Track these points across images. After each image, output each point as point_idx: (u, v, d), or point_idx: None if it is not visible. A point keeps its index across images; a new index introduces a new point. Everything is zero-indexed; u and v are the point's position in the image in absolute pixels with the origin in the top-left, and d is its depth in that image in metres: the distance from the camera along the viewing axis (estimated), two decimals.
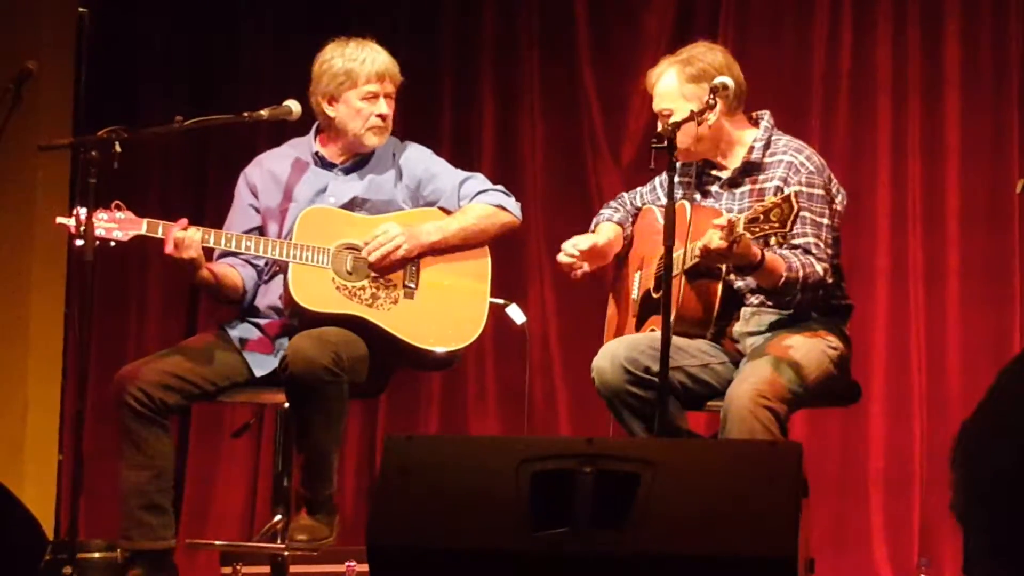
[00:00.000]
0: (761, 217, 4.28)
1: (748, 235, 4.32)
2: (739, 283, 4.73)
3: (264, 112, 5.12)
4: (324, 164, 5.24)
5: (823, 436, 6.24)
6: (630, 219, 5.10)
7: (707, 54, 4.85)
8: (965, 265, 6.17)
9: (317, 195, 5.18)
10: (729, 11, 6.59)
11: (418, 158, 5.28)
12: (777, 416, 4.48)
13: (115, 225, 4.87)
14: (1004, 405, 1.98)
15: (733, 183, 4.84)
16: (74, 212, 4.88)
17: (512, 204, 5.21)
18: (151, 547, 4.93)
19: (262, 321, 5.14)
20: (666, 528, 3.32)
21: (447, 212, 5.17)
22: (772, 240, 4.42)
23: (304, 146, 5.29)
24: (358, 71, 5.14)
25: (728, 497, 3.35)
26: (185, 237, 4.90)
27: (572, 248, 4.95)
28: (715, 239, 4.38)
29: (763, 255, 4.47)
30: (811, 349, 4.66)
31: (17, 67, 4.72)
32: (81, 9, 5.09)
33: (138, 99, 7.49)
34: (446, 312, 5.08)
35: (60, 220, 4.93)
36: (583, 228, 6.76)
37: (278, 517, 5.12)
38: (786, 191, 4.64)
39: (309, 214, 5.06)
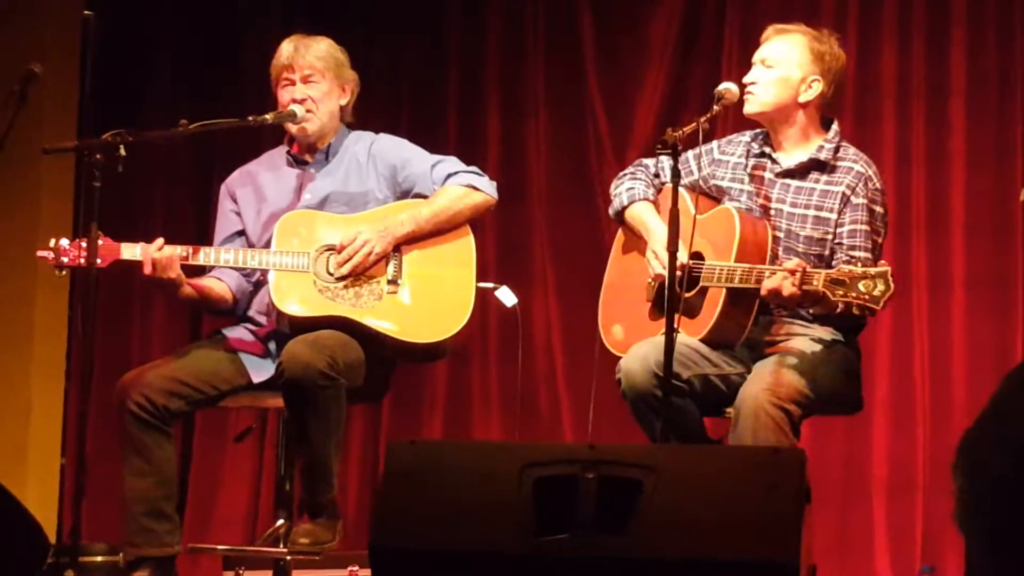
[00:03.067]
0: (847, 282, 4.24)
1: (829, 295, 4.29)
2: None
3: (268, 116, 5.14)
4: (298, 163, 5.27)
5: (826, 443, 6.24)
6: (657, 195, 5.06)
7: (835, 45, 4.88)
8: (969, 273, 6.17)
9: (293, 193, 5.21)
10: (734, 19, 6.59)
11: (390, 147, 5.30)
12: (790, 417, 4.47)
13: (97, 250, 4.86)
14: (1006, 413, 1.98)
15: (790, 174, 4.82)
16: (53, 244, 4.91)
17: (485, 183, 5.21)
18: (156, 554, 4.93)
19: (254, 327, 5.16)
20: (668, 534, 3.32)
21: (425, 198, 5.18)
22: (854, 310, 4.33)
23: (280, 151, 5.35)
24: (272, 66, 5.26)
25: (731, 503, 3.35)
26: (162, 257, 4.92)
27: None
28: (787, 285, 4.36)
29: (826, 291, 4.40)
30: (825, 356, 4.66)
31: (22, 69, 4.72)
32: (86, 12, 5.09)
33: (143, 102, 7.50)
34: (432, 302, 5.08)
35: (40, 253, 4.97)
36: (587, 234, 6.79)
37: (280, 521, 5.13)
38: (854, 201, 4.65)
39: (287, 220, 5.08)
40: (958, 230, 6.23)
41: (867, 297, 4.22)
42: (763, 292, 4.46)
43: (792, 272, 4.37)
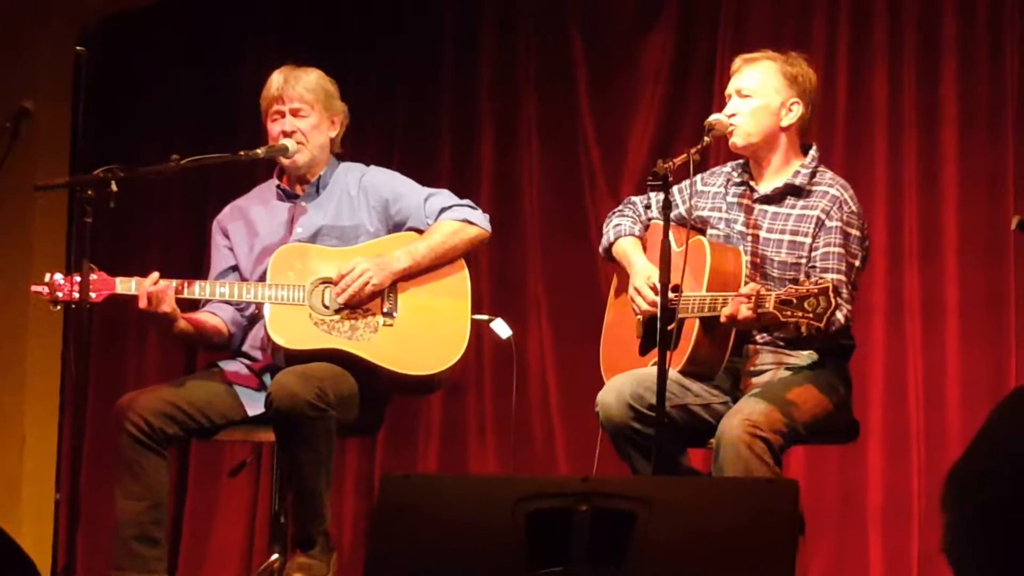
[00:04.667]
0: (794, 302, 4.25)
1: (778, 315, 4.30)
2: None
3: (260, 150, 5.16)
4: (288, 197, 5.28)
5: (821, 472, 6.23)
6: (644, 232, 5.09)
7: (806, 66, 4.93)
8: (962, 300, 6.16)
9: (285, 227, 5.22)
10: (725, 51, 6.59)
11: (382, 180, 5.31)
12: (771, 446, 4.47)
13: (89, 286, 4.84)
14: (991, 446, 1.98)
15: (767, 200, 4.85)
16: (47, 279, 4.91)
17: (479, 217, 5.24)
18: None
19: (249, 361, 5.16)
20: (663, 566, 3.31)
21: (419, 231, 5.19)
22: (803, 328, 4.36)
23: (270, 185, 5.36)
24: (262, 97, 5.29)
25: (724, 535, 3.35)
26: (157, 291, 4.93)
27: (652, 295, 4.82)
28: (743, 309, 4.38)
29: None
30: (810, 386, 4.66)
31: (14, 106, 4.73)
32: (79, 48, 5.11)
33: (136, 138, 7.51)
34: (427, 334, 5.09)
35: (34, 288, 4.96)
36: (581, 265, 6.80)
37: (275, 556, 5.11)
38: (828, 225, 4.67)
39: (281, 253, 5.09)
40: (951, 257, 6.22)
41: (811, 315, 4.23)
42: (722, 319, 4.48)
43: (748, 297, 4.38)
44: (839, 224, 4.72)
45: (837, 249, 4.70)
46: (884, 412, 6.22)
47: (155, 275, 4.98)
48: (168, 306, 4.96)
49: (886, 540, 6.21)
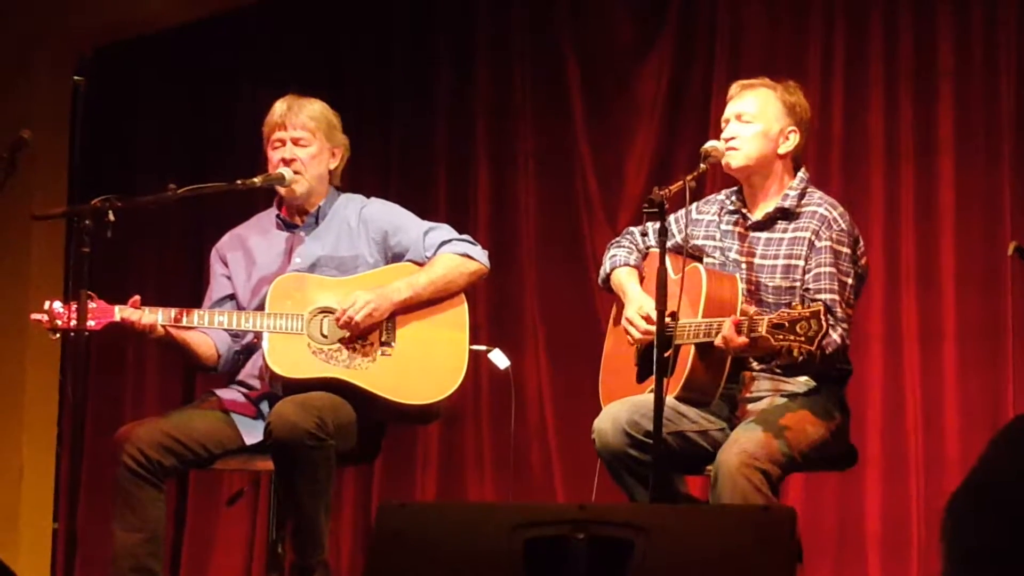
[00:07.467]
0: (786, 325, 4.25)
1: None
2: None
3: (257, 179, 5.16)
4: (287, 226, 5.29)
5: (819, 499, 6.22)
6: (642, 261, 5.10)
7: (802, 96, 4.97)
8: (959, 326, 6.16)
9: (283, 257, 5.21)
10: (721, 79, 6.60)
11: (381, 212, 5.32)
12: (768, 477, 4.47)
13: (87, 315, 4.84)
14: (991, 477, 1.97)
15: (760, 227, 4.86)
16: (46, 307, 4.90)
17: (478, 252, 5.24)
18: None
19: (246, 389, 5.15)
20: None
21: (417, 264, 5.19)
22: (795, 352, 4.36)
23: (270, 214, 5.35)
24: (265, 124, 5.29)
25: (721, 563, 3.34)
26: (132, 313, 4.93)
27: (644, 324, 4.84)
28: (736, 337, 4.39)
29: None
30: (806, 414, 4.66)
31: (12, 136, 4.73)
32: (76, 78, 5.11)
33: (133, 167, 7.51)
34: (425, 365, 5.09)
35: (34, 316, 4.95)
36: (578, 294, 6.80)
37: None
38: (817, 245, 4.68)
39: (280, 282, 5.09)
40: (948, 284, 6.22)
41: (803, 339, 4.23)
42: (717, 343, 4.48)
43: (738, 323, 4.39)
44: (828, 243, 4.73)
45: (828, 269, 4.70)
46: (882, 439, 6.22)
47: (136, 299, 4.98)
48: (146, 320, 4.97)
49: (885, 568, 6.20)
